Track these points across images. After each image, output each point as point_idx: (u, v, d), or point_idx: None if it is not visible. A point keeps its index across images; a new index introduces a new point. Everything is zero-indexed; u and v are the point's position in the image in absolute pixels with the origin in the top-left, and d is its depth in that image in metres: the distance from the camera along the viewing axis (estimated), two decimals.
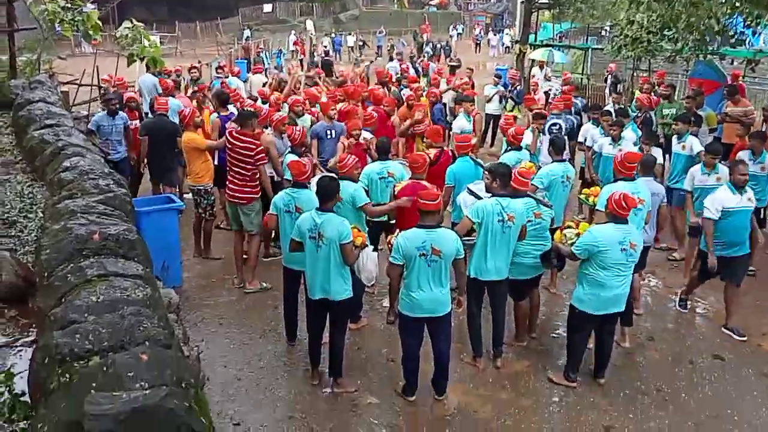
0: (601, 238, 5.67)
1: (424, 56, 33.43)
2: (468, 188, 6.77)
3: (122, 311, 3.84)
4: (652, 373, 6.39)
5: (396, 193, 6.78)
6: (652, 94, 12.09)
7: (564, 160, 7.67)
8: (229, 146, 7.83)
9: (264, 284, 7.96)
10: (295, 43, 34.66)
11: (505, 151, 8.48)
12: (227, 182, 7.92)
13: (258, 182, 7.80)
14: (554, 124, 10.21)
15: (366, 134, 8.71)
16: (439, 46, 37.67)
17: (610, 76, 17.81)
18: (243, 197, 7.79)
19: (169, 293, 6.22)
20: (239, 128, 7.81)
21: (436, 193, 5.58)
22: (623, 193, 5.73)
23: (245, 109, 8.76)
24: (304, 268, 5.87)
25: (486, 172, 6.42)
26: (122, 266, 4.53)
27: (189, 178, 8.58)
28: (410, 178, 6.89)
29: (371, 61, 28.35)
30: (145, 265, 4.87)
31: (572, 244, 5.90)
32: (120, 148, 9.41)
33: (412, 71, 17.38)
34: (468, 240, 6.11)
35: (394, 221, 7.09)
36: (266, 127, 8.72)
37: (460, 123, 10.38)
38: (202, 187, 8.53)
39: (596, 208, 6.76)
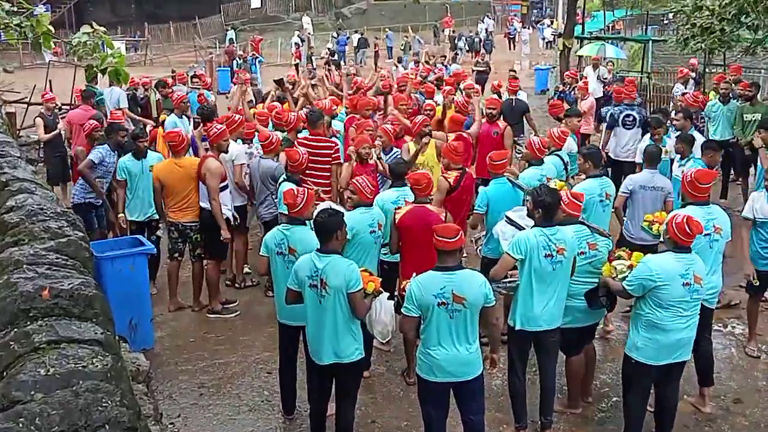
0: (659, 271, 5.62)
1: (458, 53, 33.66)
2: (507, 216, 6.76)
3: (77, 387, 3.79)
4: None
5: (397, 221, 6.80)
6: (730, 94, 12.05)
7: (601, 175, 7.76)
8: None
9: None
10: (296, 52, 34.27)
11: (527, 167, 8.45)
12: None
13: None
14: (628, 116, 11.52)
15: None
16: (477, 39, 37.50)
17: (691, 76, 16.30)
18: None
19: (137, 359, 6.18)
20: (310, 131, 9.32)
21: (456, 228, 5.53)
22: (687, 216, 5.69)
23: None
24: (304, 322, 5.85)
25: (527, 198, 6.37)
26: (77, 329, 4.48)
27: (186, 213, 8.62)
28: (413, 202, 6.92)
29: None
30: (105, 326, 4.83)
31: (623, 279, 5.84)
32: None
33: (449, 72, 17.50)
34: (510, 282, 6.07)
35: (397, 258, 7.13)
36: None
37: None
38: (198, 223, 8.71)
39: (661, 239, 6.66)
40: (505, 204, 7.28)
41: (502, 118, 11.33)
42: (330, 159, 9.12)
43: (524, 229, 6.38)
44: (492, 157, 7.80)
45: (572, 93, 14.47)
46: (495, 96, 12.59)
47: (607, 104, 12.93)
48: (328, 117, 10.14)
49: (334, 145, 9.32)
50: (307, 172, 8.71)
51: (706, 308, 6.54)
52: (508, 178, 7.66)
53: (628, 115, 11.63)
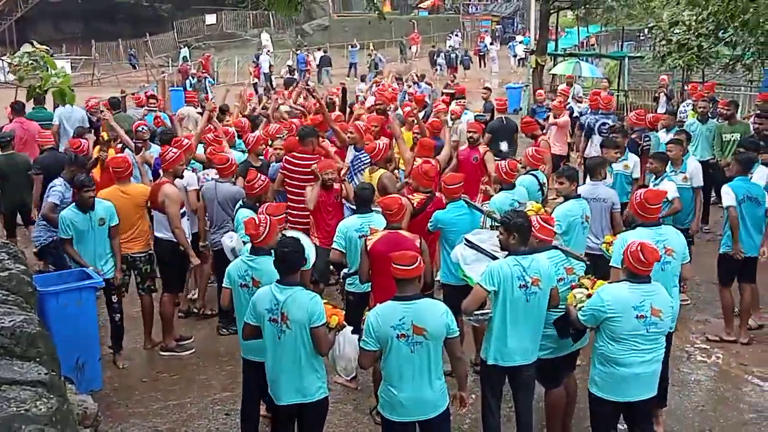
0: (610, 302, 5.64)
1: (437, 69, 35.00)
2: (466, 239, 6.76)
3: None
4: None
5: (369, 248, 6.79)
6: (709, 113, 12.31)
7: (579, 196, 7.87)
8: (290, 171, 9.13)
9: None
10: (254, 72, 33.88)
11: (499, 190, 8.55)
12: (289, 215, 8.63)
13: None
14: (603, 124, 12.41)
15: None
16: (454, 56, 38.36)
17: (663, 92, 17.40)
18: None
19: (85, 401, 6.10)
20: (299, 147, 9.21)
21: (413, 255, 5.52)
22: (642, 243, 5.69)
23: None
24: None
25: (500, 227, 6.39)
26: (19, 370, 4.45)
27: (135, 243, 8.44)
28: (385, 228, 6.91)
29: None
30: (49, 366, 4.80)
31: (581, 309, 5.88)
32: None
33: (422, 90, 17.71)
34: (482, 314, 6.08)
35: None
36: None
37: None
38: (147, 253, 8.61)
39: (610, 263, 6.69)
40: (463, 227, 7.31)
41: (491, 138, 11.88)
42: (310, 180, 8.97)
43: (485, 251, 6.41)
44: (446, 181, 7.83)
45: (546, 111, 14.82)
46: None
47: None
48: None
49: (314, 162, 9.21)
50: (295, 192, 8.99)
51: None
52: (464, 200, 7.72)
53: (603, 123, 12.49)
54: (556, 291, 6.13)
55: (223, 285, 6.42)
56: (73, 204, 8.09)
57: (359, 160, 9.52)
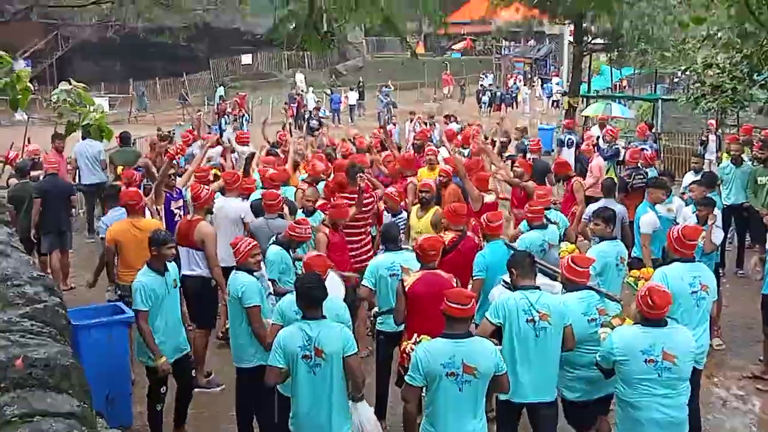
0: (619, 345, 5.60)
1: (481, 106, 37.28)
2: (503, 281, 6.75)
3: None
4: None
5: (406, 289, 6.75)
6: (743, 156, 12.27)
7: (615, 238, 7.87)
8: None
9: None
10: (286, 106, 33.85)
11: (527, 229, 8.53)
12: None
13: None
14: (643, 149, 12.73)
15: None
16: (499, 93, 39.20)
17: (712, 135, 16.59)
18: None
19: None
20: (347, 186, 9.36)
21: (470, 294, 5.56)
22: (650, 288, 5.64)
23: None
24: None
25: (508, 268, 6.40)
26: (52, 402, 4.48)
27: None
28: (421, 268, 6.87)
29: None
30: (82, 399, 4.81)
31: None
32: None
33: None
34: None
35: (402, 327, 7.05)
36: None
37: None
38: None
39: None
40: (501, 267, 7.29)
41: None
42: (369, 217, 9.26)
43: None
44: (488, 218, 7.79)
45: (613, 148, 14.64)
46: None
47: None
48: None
49: (372, 199, 9.55)
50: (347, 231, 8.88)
51: (694, 369, 6.47)
52: (504, 242, 7.71)
53: (643, 149, 12.98)
54: (570, 331, 6.02)
55: (272, 321, 6.36)
56: (146, 267, 7.05)
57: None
